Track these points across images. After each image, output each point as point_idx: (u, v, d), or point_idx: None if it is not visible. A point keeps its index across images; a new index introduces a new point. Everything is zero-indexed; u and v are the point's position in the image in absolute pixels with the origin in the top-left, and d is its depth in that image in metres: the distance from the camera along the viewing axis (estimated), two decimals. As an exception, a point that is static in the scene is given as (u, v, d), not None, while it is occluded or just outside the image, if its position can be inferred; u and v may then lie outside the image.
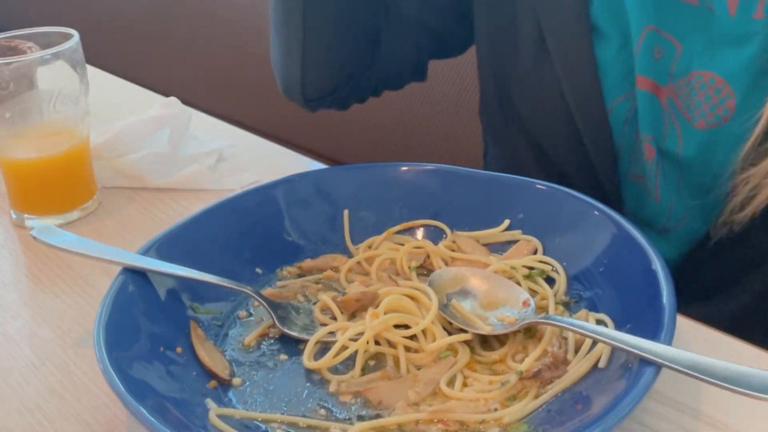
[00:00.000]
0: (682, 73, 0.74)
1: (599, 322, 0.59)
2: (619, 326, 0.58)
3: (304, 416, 0.55)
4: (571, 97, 0.79)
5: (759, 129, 0.67)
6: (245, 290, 0.64)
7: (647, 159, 0.78)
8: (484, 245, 0.70)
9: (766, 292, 0.78)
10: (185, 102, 1.00)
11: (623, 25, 0.76)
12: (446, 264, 0.68)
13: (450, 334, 0.60)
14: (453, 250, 0.70)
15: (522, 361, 0.57)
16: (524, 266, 0.66)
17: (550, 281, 0.65)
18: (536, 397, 0.54)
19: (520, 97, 0.85)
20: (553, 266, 0.66)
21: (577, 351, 0.57)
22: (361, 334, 0.59)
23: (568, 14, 0.77)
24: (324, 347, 0.61)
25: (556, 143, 0.84)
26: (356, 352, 0.59)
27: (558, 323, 0.57)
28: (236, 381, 0.58)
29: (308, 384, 0.58)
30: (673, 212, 0.79)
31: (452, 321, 0.60)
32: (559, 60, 0.79)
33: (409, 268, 0.68)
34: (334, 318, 0.63)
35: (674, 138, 0.76)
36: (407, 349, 0.59)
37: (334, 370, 0.59)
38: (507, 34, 0.84)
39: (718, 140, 0.73)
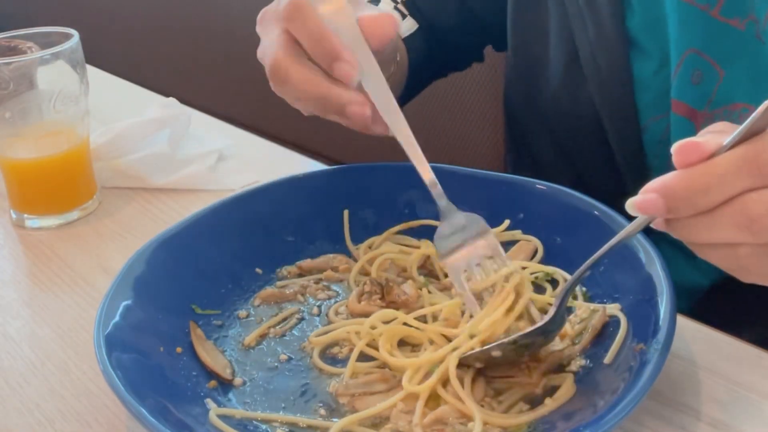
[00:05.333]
0: (724, 101, 0.71)
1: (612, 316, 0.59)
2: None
3: (304, 416, 0.55)
4: (605, 112, 0.77)
5: None
6: None
7: None
8: (484, 245, 0.70)
9: None
10: (185, 102, 1.00)
11: (664, 44, 0.73)
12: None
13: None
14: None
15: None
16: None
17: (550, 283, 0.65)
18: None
19: (549, 109, 0.82)
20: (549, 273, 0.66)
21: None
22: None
23: (602, 27, 0.74)
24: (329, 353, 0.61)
25: (586, 156, 0.82)
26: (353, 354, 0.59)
27: None
28: (237, 381, 0.58)
29: (308, 384, 0.58)
30: None
31: None
32: (593, 74, 0.76)
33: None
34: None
35: None
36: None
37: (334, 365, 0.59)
38: (538, 44, 0.82)
39: None
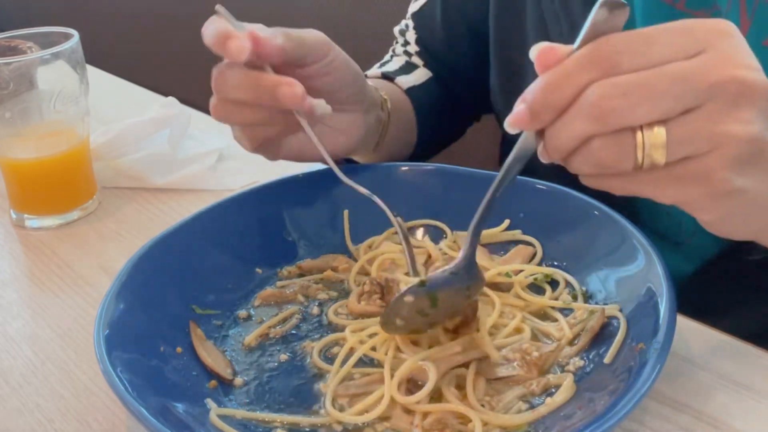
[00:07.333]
0: None
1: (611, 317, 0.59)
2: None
3: (304, 416, 0.55)
4: None
5: None
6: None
7: None
8: (485, 245, 0.70)
9: None
10: (185, 102, 1.00)
11: None
12: (447, 264, 0.68)
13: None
14: (454, 251, 0.69)
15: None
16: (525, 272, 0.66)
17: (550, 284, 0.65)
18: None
19: None
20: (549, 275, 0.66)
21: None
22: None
23: (575, 23, 0.75)
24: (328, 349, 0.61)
25: None
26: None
27: None
28: (237, 381, 0.58)
29: (308, 384, 0.58)
30: (684, 226, 0.78)
31: None
32: None
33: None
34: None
35: None
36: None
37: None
38: (517, 45, 0.83)
39: None
